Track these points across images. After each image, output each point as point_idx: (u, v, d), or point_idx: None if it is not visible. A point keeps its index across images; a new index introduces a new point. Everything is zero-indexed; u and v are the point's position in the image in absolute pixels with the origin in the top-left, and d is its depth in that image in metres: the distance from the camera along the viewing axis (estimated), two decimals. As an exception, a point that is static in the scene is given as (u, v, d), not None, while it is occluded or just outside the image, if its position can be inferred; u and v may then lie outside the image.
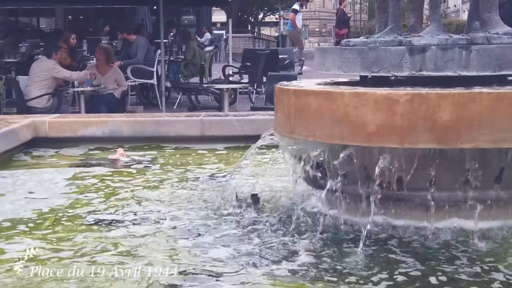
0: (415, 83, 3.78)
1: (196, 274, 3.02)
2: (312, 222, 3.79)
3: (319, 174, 4.00)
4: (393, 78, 3.97)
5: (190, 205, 4.30)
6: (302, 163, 4.11)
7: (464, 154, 3.57)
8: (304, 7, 18.86)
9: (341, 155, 3.74)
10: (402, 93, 3.55)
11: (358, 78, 4.22)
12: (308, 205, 4.12)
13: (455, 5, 69.71)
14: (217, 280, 2.97)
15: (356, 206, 3.78)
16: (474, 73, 3.68)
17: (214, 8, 33.58)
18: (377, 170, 3.59)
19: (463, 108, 3.46)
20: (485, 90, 3.51)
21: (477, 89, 3.52)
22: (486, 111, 3.44)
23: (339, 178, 3.90)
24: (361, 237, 3.46)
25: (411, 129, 3.51)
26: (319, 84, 4.30)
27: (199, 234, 3.66)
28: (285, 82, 4.34)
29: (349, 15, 26.54)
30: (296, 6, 17.93)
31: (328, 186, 3.91)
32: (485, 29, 3.95)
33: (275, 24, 59.22)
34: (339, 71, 4.03)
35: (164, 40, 16.28)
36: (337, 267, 3.15)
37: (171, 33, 18.53)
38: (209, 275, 3.00)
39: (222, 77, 13.33)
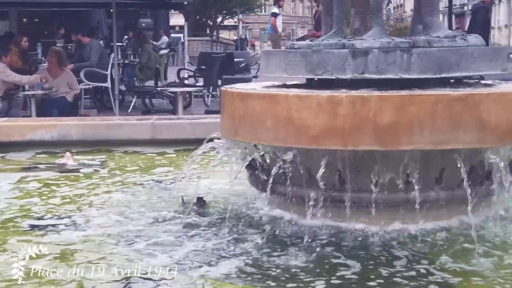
0: (361, 85, 3.80)
1: (136, 279, 2.98)
2: (256, 224, 3.78)
3: (264, 177, 4.00)
4: (338, 80, 3.99)
5: (134, 209, 4.26)
6: (247, 166, 4.12)
7: (405, 156, 3.62)
8: (281, 9, 18.83)
9: (285, 158, 3.76)
10: (344, 96, 3.58)
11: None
12: (254, 207, 4.11)
13: (411, 10, 70.40)
14: (156, 285, 2.94)
15: (300, 208, 3.79)
16: (415, 76, 3.72)
17: (172, 11, 33.43)
18: (320, 172, 3.60)
19: (404, 111, 3.49)
20: (425, 92, 3.56)
21: (417, 92, 3.57)
22: (426, 114, 3.48)
23: (283, 180, 3.92)
24: (303, 239, 3.47)
25: (354, 131, 3.54)
26: (266, 87, 4.31)
27: (140, 239, 3.62)
28: (230, 85, 4.33)
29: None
30: (275, 10, 17.92)
31: (272, 189, 3.92)
32: (427, 32, 4.00)
33: (234, 27, 59.36)
34: (284, 74, 4.04)
35: (119, 44, 16.17)
36: (278, 269, 3.14)
37: (126, 36, 18.37)
38: (148, 280, 2.97)
39: (178, 81, 13.27)
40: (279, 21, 17.72)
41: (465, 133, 3.51)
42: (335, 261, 3.27)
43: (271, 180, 3.82)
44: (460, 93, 3.55)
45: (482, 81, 4.43)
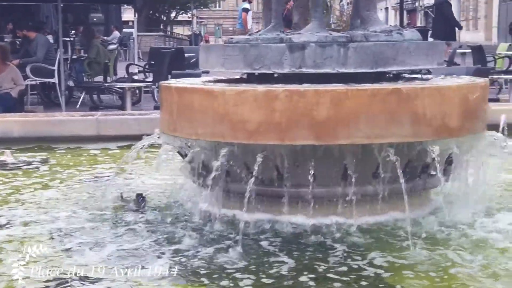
0: (300, 79, 3.80)
1: (68, 278, 2.92)
2: (194, 221, 3.75)
3: (203, 172, 3.96)
4: (280, 75, 3.98)
5: (71, 207, 4.18)
6: (186, 161, 4.07)
7: (342, 150, 3.62)
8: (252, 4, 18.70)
9: (223, 153, 3.72)
10: (281, 90, 3.56)
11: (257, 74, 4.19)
12: (193, 203, 4.07)
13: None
14: (89, 284, 2.88)
15: (239, 203, 3.77)
16: (352, 70, 3.73)
17: (125, 6, 33.06)
18: (257, 167, 3.58)
19: (340, 105, 3.50)
20: (360, 87, 3.57)
21: (353, 86, 3.57)
22: (362, 108, 3.49)
23: (222, 175, 3.89)
24: (239, 234, 3.45)
25: (291, 125, 3.53)
26: (206, 82, 4.27)
27: (70, 237, 3.54)
28: (169, 80, 4.28)
29: None
30: (246, 5, 17.79)
31: (211, 184, 3.89)
32: (364, 27, 4.02)
33: (189, 23, 58.99)
34: (222, 68, 4.01)
35: (67, 38, 15.88)
36: (213, 267, 3.11)
37: (73, 31, 18.08)
38: (81, 279, 2.91)
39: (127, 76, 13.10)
40: (249, 17, 17.65)
41: (400, 127, 3.53)
42: (271, 256, 3.25)
43: (210, 176, 3.79)
44: (396, 87, 3.57)
45: (421, 75, 4.48)
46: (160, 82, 4.24)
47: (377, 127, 3.51)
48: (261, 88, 3.62)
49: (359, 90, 3.52)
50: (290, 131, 3.53)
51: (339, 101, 3.49)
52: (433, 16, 17.17)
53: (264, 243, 3.42)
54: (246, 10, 17.54)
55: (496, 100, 9.81)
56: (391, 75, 4.07)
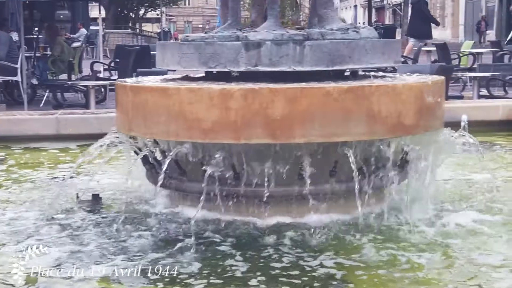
0: (259, 78, 3.77)
1: (12, 279, 2.85)
2: (148, 221, 3.70)
3: (158, 172, 3.91)
4: (238, 73, 3.95)
5: (25, 207, 4.10)
6: (143, 161, 4.03)
7: (298, 149, 3.60)
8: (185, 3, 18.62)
9: (178, 152, 3.68)
10: (236, 89, 3.53)
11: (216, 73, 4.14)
12: (150, 204, 4.02)
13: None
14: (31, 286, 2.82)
15: (195, 203, 3.73)
16: (308, 68, 3.71)
17: (94, 3, 32.70)
18: (212, 166, 3.55)
19: (295, 103, 3.47)
20: (315, 85, 3.55)
21: (308, 84, 3.55)
22: (318, 106, 3.47)
23: (179, 175, 3.85)
24: (194, 235, 3.40)
25: (246, 124, 3.50)
26: (163, 80, 4.22)
27: (28, 237, 3.47)
28: (124, 79, 4.22)
29: None
30: None
31: (168, 184, 3.85)
32: (321, 25, 4.00)
33: (158, 20, 58.63)
34: (178, 66, 3.97)
35: (29, 36, 15.66)
36: (164, 268, 3.04)
37: (36, 28, 17.82)
38: (29, 281, 2.85)
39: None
40: None
41: (356, 125, 3.52)
42: (225, 258, 3.19)
43: (162, 176, 3.74)
44: (351, 86, 3.56)
45: (380, 73, 4.49)
46: (116, 80, 4.17)
47: (333, 125, 3.50)
48: (216, 86, 3.59)
49: (314, 89, 3.51)
50: (246, 130, 3.50)
51: (294, 100, 3.47)
52: (410, 14, 17.33)
53: (218, 244, 3.37)
54: None
55: (460, 97, 9.89)
56: (348, 73, 4.06)
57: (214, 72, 4.01)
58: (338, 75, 3.95)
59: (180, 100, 3.60)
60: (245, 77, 3.85)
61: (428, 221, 3.66)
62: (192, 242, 3.28)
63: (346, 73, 4.05)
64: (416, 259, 3.16)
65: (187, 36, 4.03)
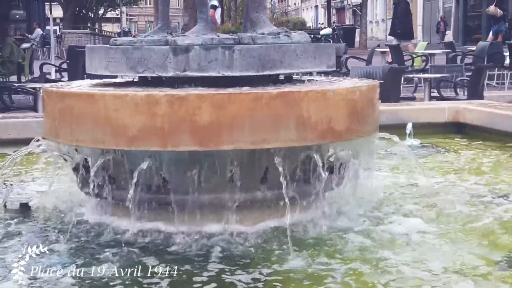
0: (191, 83, 3.69)
1: None
2: (74, 231, 3.59)
3: (86, 179, 3.80)
4: (169, 78, 3.85)
5: None
6: (72, 169, 3.92)
7: (228, 156, 3.53)
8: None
9: (104, 160, 3.59)
10: (162, 95, 3.44)
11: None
12: (79, 213, 3.90)
13: (295, 4, 71.77)
14: None
15: (122, 211, 3.64)
16: (237, 73, 3.64)
17: (53, 3, 32.27)
18: (138, 174, 3.46)
19: (223, 110, 3.40)
20: (244, 91, 3.48)
21: (236, 90, 3.48)
22: (245, 112, 3.40)
23: (108, 183, 3.75)
24: (121, 245, 3.31)
25: (173, 131, 3.41)
26: (92, 85, 4.11)
27: None
28: (52, 84, 4.10)
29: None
30: (214, 2, 17.47)
31: (95, 192, 3.74)
32: (253, 29, 3.93)
33: (118, 20, 58.16)
34: (105, 71, 3.85)
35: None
36: (87, 281, 2.95)
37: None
38: None
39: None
40: (218, 14, 17.42)
41: (286, 131, 3.46)
42: (148, 270, 3.09)
43: (93, 183, 3.64)
44: (280, 91, 3.50)
45: (318, 78, 4.44)
46: (44, 85, 4.05)
47: (262, 131, 3.43)
48: (141, 92, 3.50)
49: (242, 94, 3.44)
50: (173, 137, 3.42)
51: (222, 106, 3.40)
52: (392, 14, 17.60)
53: (145, 254, 3.28)
54: (214, 7, 17.28)
55: (412, 98, 9.93)
56: (282, 77, 4.01)
57: (149, 77, 3.92)
58: (274, 80, 3.88)
59: (106, 106, 3.50)
60: (180, 82, 3.76)
61: (361, 229, 3.61)
62: (121, 251, 3.18)
63: (281, 78, 4.00)
64: (341, 269, 3.09)
65: (115, 40, 3.92)
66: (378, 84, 3.97)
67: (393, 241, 3.49)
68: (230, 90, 3.47)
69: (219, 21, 17.46)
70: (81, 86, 4.06)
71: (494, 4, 17.04)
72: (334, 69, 4.11)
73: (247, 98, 3.43)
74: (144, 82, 3.99)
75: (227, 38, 3.81)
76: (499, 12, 17.12)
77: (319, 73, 4.53)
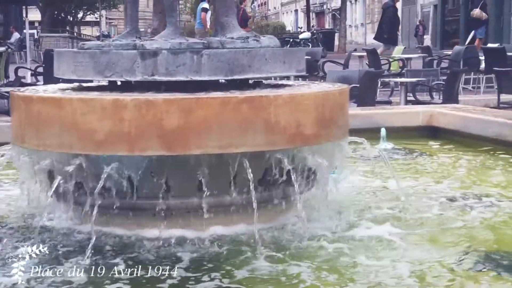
0: (160, 88, 3.67)
1: None
2: (39, 237, 3.54)
3: (53, 185, 3.76)
4: (139, 83, 3.82)
5: None
6: (36, 174, 3.87)
7: (196, 160, 3.51)
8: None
9: (71, 165, 3.55)
10: (129, 99, 3.42)
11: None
12: (48, 218, 3.85)
13: (275, 8, 71.92)
14: None
15: (89, 216, 3.60)
16: (206, 78, 3.63)
17: (31, 6, 32.00)
18: (104, 179, 3.43)
19: (190, 114, 3.38)
20: (211, 95, 3.47)
21: (203, 95, 3.47)
22: (213, 117, 3.39)
23: (75, 189, 3.71)
24: (87, 249, 3.28)
25: (140, 136, 3.39)
26: (60, 89, 4.07)
27: None
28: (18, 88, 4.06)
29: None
30: (205, 5, 17.41)
31: (64, 198, 3.71)
32: (222, 33, 3.92)
33: (97, 23, 57.84)
34: (73, 75, 3.83)
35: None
36: (55, 283, 2.92)
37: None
38: None
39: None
40: (208, 17, 17.38)
41: (254, 135, 3.45)
42: (118, 272, 3.07)
43: (60, 189, 3.61)
44: (247, 96, 3.49)
45: (287, 82, 4.43)
46: (10, 89, 4.01)
47: (230, 136, 3.42)
48: (109, 97, 3.47)
49: (210, 99, 3.42)
50: (140, 141, 3.40)
51: (189, 110, 3.38)
52: (380, 19, 17.80)
53: (112, 257, 3.25)
54: (205, 10, 17.26)
55: (388, 102, 9.98)
56: (251, 82, 3.99)
57: (118, 82, 3.90)
58: (244, 85, 3.87)
59: (73, 110, 3.47)
60: (150, 86, 3.73)
61: (331, 234, 3.60)
62: (85, 256, 3.15)
63: (250, 82, 3.98)
64: (310, 275, 3.07)
65: (83, 44, 3.89)
66: (348, 89, 3.97)
67: (363, 245, 3.48)
68: (198, 94, 3.45)
69: (208, 24, 17.47)
70: (49, 90, 4.02)
71: (479, 7, 17.11)
72: (304, 73, 4.10)
73: (214, 102, 3.41)
74: (114, 86, 3.96)
75: (196, 43, 3.79)
76: (484, 15, 17.19)
77: (296, 77, 4.51)
